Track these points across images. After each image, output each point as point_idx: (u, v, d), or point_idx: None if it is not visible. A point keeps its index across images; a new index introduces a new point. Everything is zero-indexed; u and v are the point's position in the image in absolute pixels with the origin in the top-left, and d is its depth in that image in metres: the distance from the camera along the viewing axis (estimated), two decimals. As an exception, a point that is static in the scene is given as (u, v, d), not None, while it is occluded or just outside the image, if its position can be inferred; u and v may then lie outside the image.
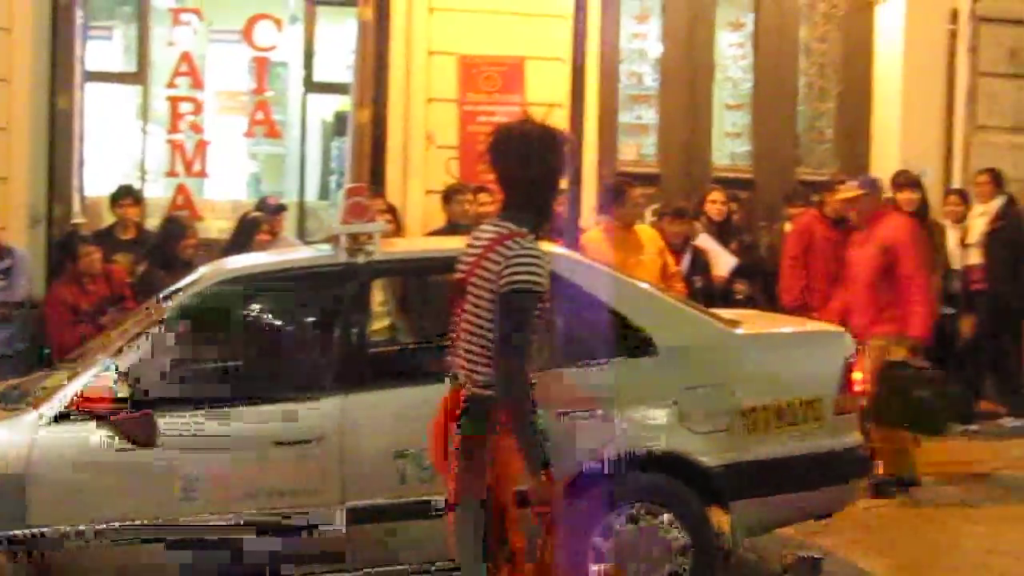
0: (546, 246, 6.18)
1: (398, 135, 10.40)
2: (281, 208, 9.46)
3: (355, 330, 5.50)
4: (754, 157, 11.65)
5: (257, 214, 8.93)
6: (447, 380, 4.28)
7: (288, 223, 10.00)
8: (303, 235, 10.55)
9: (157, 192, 10.78)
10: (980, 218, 10.21)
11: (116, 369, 5.18)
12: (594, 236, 8.42)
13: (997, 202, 10.21)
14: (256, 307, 5.98)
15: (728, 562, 5.96)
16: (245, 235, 8.52)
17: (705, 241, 9.48)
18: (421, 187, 10.26)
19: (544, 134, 4.17)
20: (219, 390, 5.50)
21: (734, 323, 6.01)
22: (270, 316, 5.95)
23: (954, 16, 11.20)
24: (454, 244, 6.59)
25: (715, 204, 9.78)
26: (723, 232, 9.67)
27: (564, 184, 4.19)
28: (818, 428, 5.72)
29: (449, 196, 9.26)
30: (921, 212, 9.27)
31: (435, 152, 10.40)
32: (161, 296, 5.91)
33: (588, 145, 9.36)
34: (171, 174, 10.58)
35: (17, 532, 5.05)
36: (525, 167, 4.13)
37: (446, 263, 5.65)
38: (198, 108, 10.51)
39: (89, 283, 8.17)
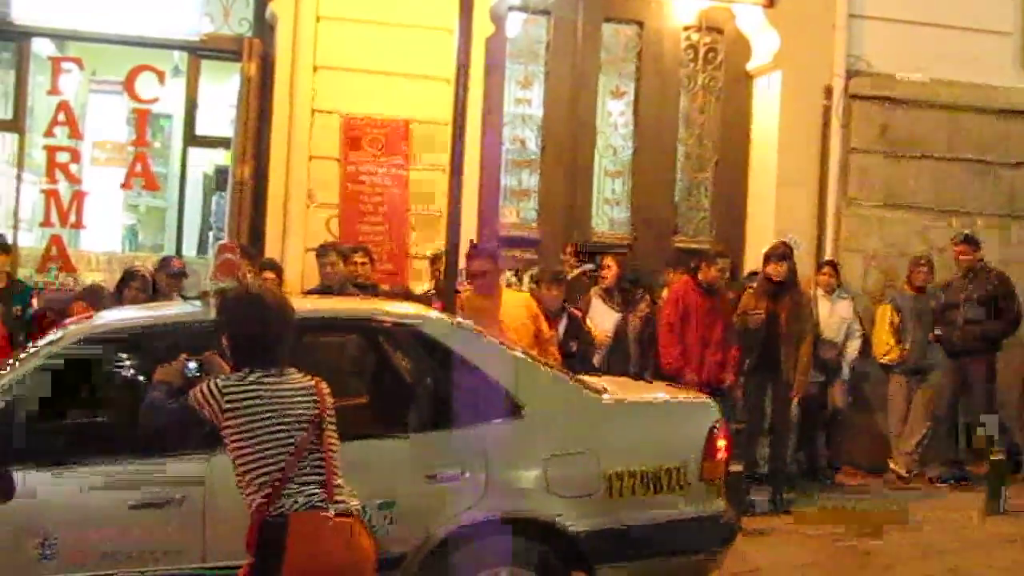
0: (421, 308, 6.28)
1: (279, 191, 10.37)
2: (182, 274, 9.33)
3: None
4: (633, 224, 11.83)
5: (138, 267, 8.77)
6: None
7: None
8: (179, 290, 10.43)
9: (30, 242, 10.60)
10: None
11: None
12: (468, 298, 8.46)
13: None
14: (122, 363, 5.88)
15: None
16: (122, 285, 8.37)
17: (594, 303, 9.70)
18: (300, 244, 10.23)
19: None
20: (79, 447, 5.42)
21: (601, 390, 6.08)
22: (135, 371, 5.86)
23: (828, 92, 11.53)
24: (327, 305, 6.68)
25: (609, 269, 9.99)
26: (622, 298, 9.92)
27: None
28: (682, 495, 5.79)
29: (318, 255, 9.23)
30: (789, 282, 9.57)
31: (315, 210, 10.39)
32: (25, 351, 5.83)
33: (468, 208, 9.45)
34: (45, 224, 10.42)
35: None
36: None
37: (319, 323, 5.74)
38: (76, 158, 10.38)
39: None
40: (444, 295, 7.94)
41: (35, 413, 5.59)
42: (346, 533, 4.29)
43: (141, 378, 5.85)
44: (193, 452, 5.18)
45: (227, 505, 4.83)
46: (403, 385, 6.02)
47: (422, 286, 9.99)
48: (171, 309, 6.35)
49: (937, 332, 10.65)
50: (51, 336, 5.77)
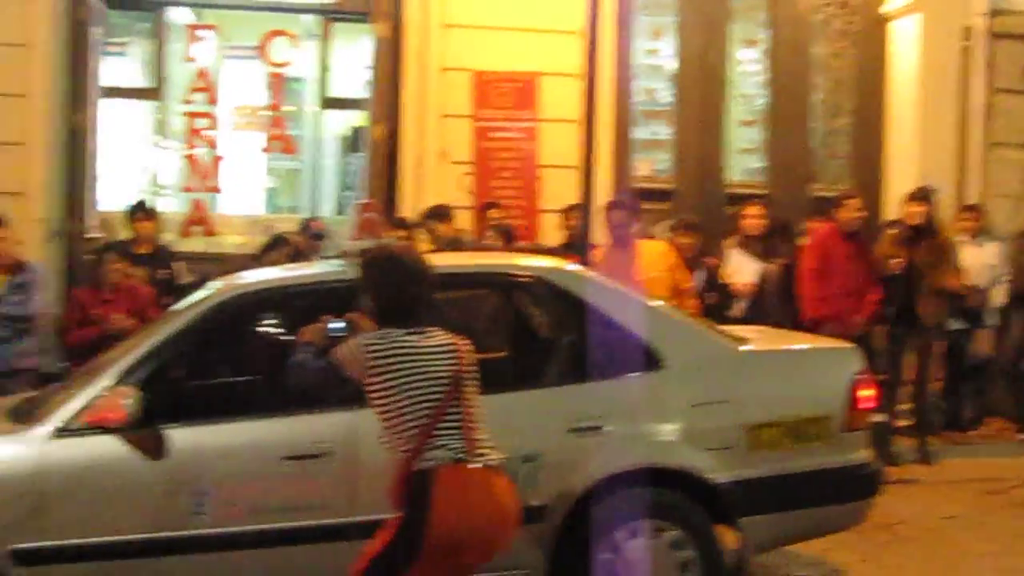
0: (556, 261, 6.31)
1: (413, 151, 10.47)
2: (322, 236, 9.49)
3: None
4: (768, 173, 11.68)
5: (288, 234, 8.91)
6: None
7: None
8: (319, 252, 10.60)
9: (172, 207, 10.87)
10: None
11: (126, 382, 5.26)
12: (604, 251, 8.46)
13: None
14: (266, 321, 6.01)
15: (736, 579, 5.98)
16: (269, 250, 8.52)
17: (734, 254, 9.59)
18: (434, 203, 10.30)
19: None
20: (229, 404, 5.60)
21: (741, 339, 6.04)
22: (282, 330, 5.98)
23: (968, 33, 11.21)
24: (463, 261, 6.73)
25: (752, 219, 9.82)
26: (763, 247, 9.74)
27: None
28: (826, 445, 5.74)
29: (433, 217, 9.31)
30: (929, 227, 9.38)
31: (449, 168, 10.47)
32: (172, 310, 5.99)
33: (601, 162, 9.42)
34: (186, 189, 10.69)
35: (25, 546, 5.11)
36: None
37: (456, 279, 5.79)
38: (213, 123, 10.63)
39: (109, 293, 8.23)
40: (578, 249, 7.95)
41: (184, 372, 5.81)
42: (490, 485, 4.34)
43: (286, 336, 5.99)
44: (340, 407, 5.29)
45: (373, 459, 4.91)
46: (542, 339, 6.05)
47: (555, 242, 9.99)
48: (312, 269, 6.48)
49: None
50: (197, 296, 5.94)
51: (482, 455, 4.36)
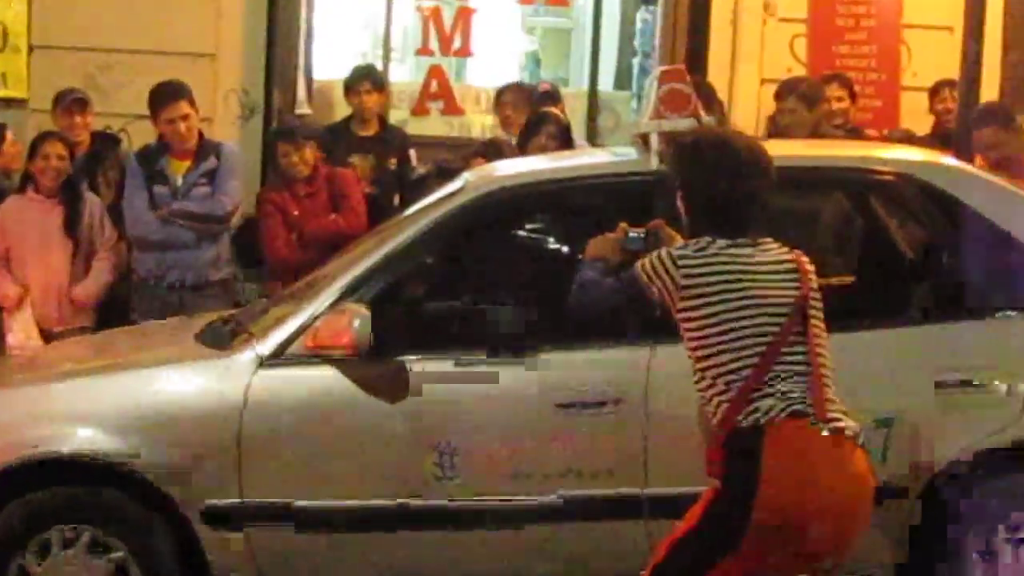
0: (929, 153, 6.23)
1: (726, 4, 10.41)
2: (550, 96, 9.61)
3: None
4: None
5: (550, 110, 9.01)
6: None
7: (573, 120, 10.13)
8: (593, 136, 10.75)
9: (404, 75, 11.09)
10: None
11: (354, 300, 5.45)
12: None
13: None
14: (536, 227, 6.18)
15: None
16: (530, 134, 8.59)
17: None
18: (755, 74, 10.27)
19: None
20: (486, 334, 5.77)
21: None
22: (554, 240, 6.12)
23: None
24: (804, 151, 6.67)
25: None
26: None
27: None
28: None
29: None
30: None
31: (776, 26, 10.38)
32: (413, 210, 6.19)
33: (992, 19, 9.17)
34: (423, 52, 10.88)
35: (228, 502, 5.40)
36: None
37: (794, 176, 5.66)
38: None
39: (302, 188, 8.38)
40: (953, 141, 7.80)
41: (429, 290, 6.02)
42: (842, 454, 4.30)
43: (561, 248, 6.13)
44: (634, 343, 5.42)
45: (677, 411, 5.02)
46: (904, 259, 6.00)
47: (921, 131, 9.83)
48: (596, 157, 6.56)
49: None
50: (443, 191, 6.12)
51: (833, 419, 4.31)
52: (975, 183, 5.90)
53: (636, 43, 12.24)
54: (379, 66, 10.56)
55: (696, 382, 4.45)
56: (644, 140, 5.75)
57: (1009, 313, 5.59)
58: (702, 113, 5.70)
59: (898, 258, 6.05)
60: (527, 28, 12.65)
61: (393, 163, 9.39)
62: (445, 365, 5.49)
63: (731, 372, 4.33)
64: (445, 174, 7.54)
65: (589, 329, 5.31)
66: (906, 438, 5.40)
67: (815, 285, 4.48)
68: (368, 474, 5.44)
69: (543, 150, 7.75)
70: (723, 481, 4.31)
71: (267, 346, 5.53)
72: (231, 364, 5.55)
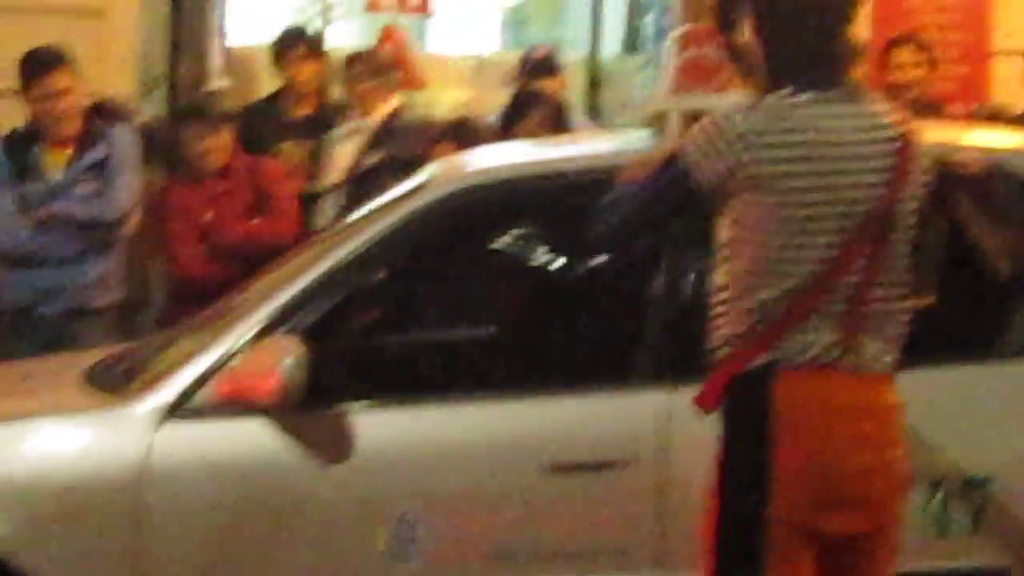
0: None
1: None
2: (547, 65, 9.51)
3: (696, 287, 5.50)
4: None
5: (540, 86, 8.97)
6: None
7: (571, 95, 10.10)
8: (596, 114, 10.71)
9: (349, 39, 11.06)
10: None
11: (285, 332, 5.37)
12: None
13: None
14: (520, 236, 6.07)
15: None
16: (515, 116, 8.54)
17: None
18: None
19: None
20: (454, 374, 5.71)
21: None
22: (542, 253, 6.04)
23: None
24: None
25: None
26: None
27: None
28: None
29: None
30: None
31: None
32: (359, 214, 6.09)
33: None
34: (373, 8, 10.86)
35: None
36: None
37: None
38: None
39: (215, 185, 8.31)
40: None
41: (381, 318, 5.96)
42: (870, 403, 4.37)
43: (550, 262, 6.03)
44: (648, 383, 5.35)
45: (699, 475, 4.85)
46: (996, 276, 5.93)
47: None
48: (598, 145, 6.49)
49: None
50: (399, 190, 6.06)
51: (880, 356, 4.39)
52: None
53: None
54: (317, 27, 10.54)
55: (715, 303, 4.46)
56: (661, 121, 5.69)
57: None
58: (738, 85, 5.61)
59: (988, 274, 5.97)
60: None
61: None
62: (402, 416, 5.45)
63: (777, 289, 4.29)
64: (401, 166, 7.51)
65: (592, 367, 5.26)
66: (1005, 504, 5.34)
67: (918, 176, 4.49)
68: (304, 557, 5.36)
69: (532, 136, 7.72)
70: (726, 441, 4.41)
71: (170, 393, 5.44)
72: (124, 418, 5.46)
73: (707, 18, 9.95)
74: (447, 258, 6.03)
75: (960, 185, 5.86)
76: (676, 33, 6.03)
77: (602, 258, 6.01)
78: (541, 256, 6.11)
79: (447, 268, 6.12)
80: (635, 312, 5.62)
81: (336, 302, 5.56)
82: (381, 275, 5.72)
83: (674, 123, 5.58)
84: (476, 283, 6.22)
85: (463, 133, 8.07)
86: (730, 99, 5.51)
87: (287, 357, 5.16)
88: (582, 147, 6.56)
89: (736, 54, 5.78)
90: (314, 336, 5.35)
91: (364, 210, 6.17)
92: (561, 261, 6.15)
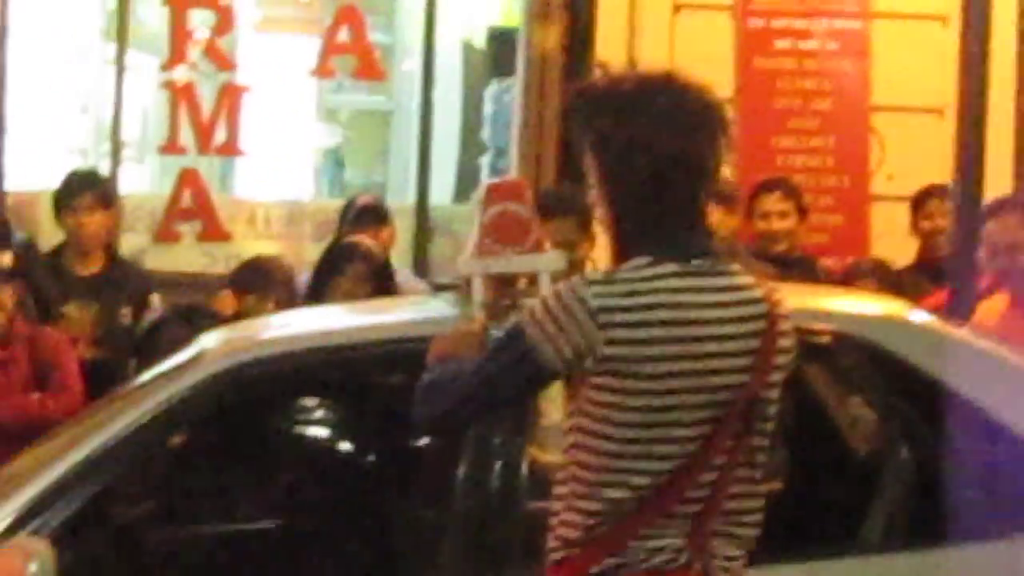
0: (895, 305, 6.32)
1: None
2: (374, 213, 9.61)
3: (508, 473, 5.64)
4: None
5: (358, 239, 9.02)
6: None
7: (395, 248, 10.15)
8: (425, 271, 10.81)
9: (143, 183, 11.11)
10: None
11: (34, 531, 5.37)
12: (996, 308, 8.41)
13: None
14: (308, 417, 6.18)
15: None
16: (328, 272, 8.57)
17: None
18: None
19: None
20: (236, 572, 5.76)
21: None
22: (335, 435, 6.13)
23: None
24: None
25: None
26: None
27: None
28: None
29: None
30: None
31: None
32: (126, 389, 6.16)
33: (999, 102, 9.38)
34: (170, 149, 10.95)
35: None
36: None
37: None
38: (224, 23, 10.91)
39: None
40: (946, 275, 7.91)
41: (150, 512, 5.98)
42: None
43: (347, 448, 6.12)
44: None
45: None
46: (852, 456, 6.08)
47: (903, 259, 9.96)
48: (404, 311, 6.61)
49: None
50: (177, 360, 6.10)
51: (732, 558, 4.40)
52: (950, 348, 5.98)
53: (485, 134, 12.34)
54: (105, 170, 10.57)
55: (559, 495, 4.44)
56: (465, 287, 5.78)
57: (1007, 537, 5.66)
58: (547, 247, 5.71)
59: (847, 454, 6.11)
60: (326, 112, 12.70)
61: (126, 314, 9.36)
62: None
63: (632, 487, 4.29)
64: (187, 321, 7.55)
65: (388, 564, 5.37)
66: None
67: (785, 357, 4.49)
68: None
69: (348, 297, 7.80)
70: None
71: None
72: None
73: (551, 158, 10.21)
74: (225, 442, 6.07)
75: (811, 357, 6.05)
76: (481, 188, 6.11)
77: (401, 440, 6.13)
78: (335, 438, 6.21)
79: (225, 454, 6.15)
80: (445, 506, 5.68)
81: (95, 494, 5.56)
82: (148, 462, 5.77)
83: (479, 290, 5.67)
84: (256, 469, 6.20)
85: (253, 277, 8.16)
86: (544, 261, 5.65)
87: (33, 562, 5.04)
88: (374, 315, 6.63)
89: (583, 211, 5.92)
90: (67, 535, 5.34)
91: (130, 385, 6.24)
92: (356, 444, 6.27)
